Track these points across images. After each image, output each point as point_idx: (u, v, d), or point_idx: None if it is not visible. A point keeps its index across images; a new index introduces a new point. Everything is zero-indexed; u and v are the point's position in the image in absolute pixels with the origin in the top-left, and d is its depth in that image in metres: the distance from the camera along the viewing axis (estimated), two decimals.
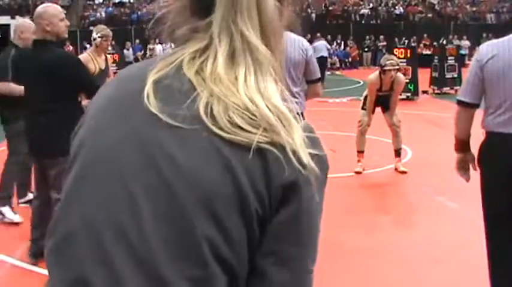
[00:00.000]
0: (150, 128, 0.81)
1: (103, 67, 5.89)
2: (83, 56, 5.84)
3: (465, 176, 3.25)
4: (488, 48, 2.87)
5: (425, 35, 28.46)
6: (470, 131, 3.08)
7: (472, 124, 3.05)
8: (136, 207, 0.79)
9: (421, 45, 27.22)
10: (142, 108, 0.81)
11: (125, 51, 24.30)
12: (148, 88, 0.82)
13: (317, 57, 19.74)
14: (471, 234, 4.70)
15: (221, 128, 0.78)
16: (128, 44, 25.73)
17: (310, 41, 26.13)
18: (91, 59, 5.76)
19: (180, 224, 0.78)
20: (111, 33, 5.97)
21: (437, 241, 4.52)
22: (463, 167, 3.23)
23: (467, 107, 2.97)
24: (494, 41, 2.97)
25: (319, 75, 4.28)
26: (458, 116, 3.07)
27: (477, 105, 2.97)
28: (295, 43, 3.94)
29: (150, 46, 26.45)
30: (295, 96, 3.88)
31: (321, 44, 20.98)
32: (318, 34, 28.25)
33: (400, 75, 6.70)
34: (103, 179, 0.82)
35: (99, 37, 5.78)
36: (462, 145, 3.15)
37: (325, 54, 20.56)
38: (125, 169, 0.81)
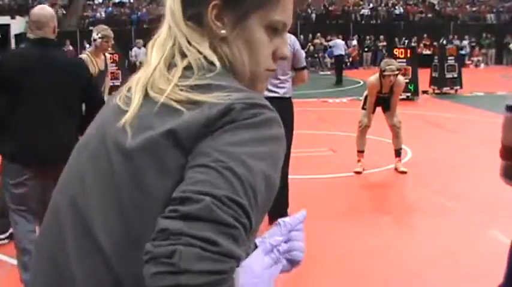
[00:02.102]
0: (112, 116, 0.99)
1: (102, 68, 5.76)
2: (81, 57, 5.69)
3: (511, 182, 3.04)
4: None
5: (425, 35, 28.44)
6: None
7: None
8: (83, 180, 0.96)
9: (421, 45, 27.22)
10: (114, 104, 1.02)
11: (136, 49, 22.85)
12: (123, 89, 1.03)
13: (335, 56, 19.62)
14: (470, 234, 4.70)
15: (157, 92, 0.95)
16: (141, 42, 23.96)
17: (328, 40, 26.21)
18: (90, 61, 5.61)
19: (113, 190, 0.92)
20: (112, 34, 5.81)
21: (437, 241, 4.51)
22: (509, 176, 3.01)
23: None
24: None
25: (304, 64, 5.05)
26: (508, 123, 2.73)
27: None
28: None
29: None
30: (283, 83, 4.77)
31: (340, 42, 21.07)
32: (318, 34, 28.31)
33: (400, 78, 6.70)
34: (71, 162, 1.03)
35: (99, 38, 5.64)
36: (510, 153, 2.93)
37: (343, 52, 20.72)
38: (84, 151, 1.01)
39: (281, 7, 1.01)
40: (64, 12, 30.47)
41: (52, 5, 23.17)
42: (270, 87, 4.74)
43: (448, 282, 3.81)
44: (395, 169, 6.74)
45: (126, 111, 0.96)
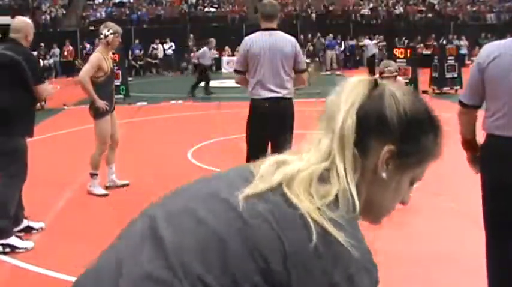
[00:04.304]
0: (237, 179, 1.03)
1: (111, 66, 5.85)
2: (95, 56, 5.76)
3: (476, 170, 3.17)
4: (490, 50, 2.81)
5: (433, 35, 28.21)
6: (475, 130, 3.06)
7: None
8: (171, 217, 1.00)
9: (421, 45, 27.17)
10: (247, 168, 1.06)
11: (206, 49, 20.17)
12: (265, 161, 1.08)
13: (369, 56, 19.75)
14: (470, 234, 4.70)
15: (293, 194, 0.97)
16: (213, 41, 20.64)
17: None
18: (103, 59, 5.69)
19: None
20: (121, 30, 5.88)
21: (437, 241, 4.52)
22: (473, 164, 3.17)
23: (468, 108, 2.97)
24: (496, 42, 2.91)
25: (305, 66, 5.20)
26: (460, 116, 3.07)
27: (478, 107, 2.96)
28: (287, 40, 4.88)
29: (154, 46, 26.51)
30: (285, 84, 4.79)
31: (370, 42, 21.31)
32: (318, 34, 28.31)
33: (399, 79, 6.68)
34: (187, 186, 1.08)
35: (111, 33, 5.69)
36: (469, 144, 3.11)
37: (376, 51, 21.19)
38: (205, 184, 1.06)
39: (428, 166, 1.08)
40: (64, 12, 30.47)
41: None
42: (273, 87, 4.75)
43: (448, 282, 3.81)
44: None
45: (249, 182, 0.97)
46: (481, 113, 2.98)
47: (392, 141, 1.00)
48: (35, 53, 20.98)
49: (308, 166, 0.98)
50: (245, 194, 0.94)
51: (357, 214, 0.97)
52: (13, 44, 4.56)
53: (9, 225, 4.42)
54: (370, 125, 0.99)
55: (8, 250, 4.32)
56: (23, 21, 4.75)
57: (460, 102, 3.01)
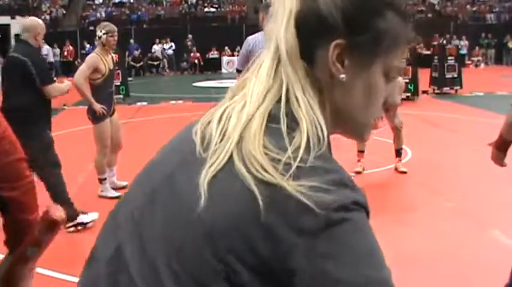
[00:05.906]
0: (188, 156, 0.92)
1: (111, 67, 5.76)
2: (91, 57, 5.71)
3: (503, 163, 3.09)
4: None
5: (436, 35, 28.13)
6: None
7: None
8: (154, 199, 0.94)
9: (421, 45, 27.12)
10: (191, 140, 0.97)
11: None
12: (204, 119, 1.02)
13: None
14: (470, 234, 4.70)
15: (248, 164, 0.84)
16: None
17: None
18: (100, 60, 5.62)
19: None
20: (115, 28, 5.80)
21: (437, 241, 4.51)
22: (500, 161, 3.05)
23: None
24: None
25: None
26: None
27: None
28: None
29: (154, 48, 26.55)
30: None
31: None
32: None
33: (399, 79, 6.69)
34: (143, 175, 1.04)
35: (103, 34, 5.65)
36: (507, 146, 2.98)
37: None
38: (158, 172, 1.00)
39: (402, 51, 0.91)
40: (64, 12, 30.47)
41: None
42: None
43: (448, 282, 3.81)
44: (395, 169, 6.74)
45: (203, 159, 0.83)
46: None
47: (339, 36, 0.84)
48: None
49: (253, 110, 0.82)
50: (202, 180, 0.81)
51: (325, 147, 0.83)
52: (22, 45, 4.79)
53: (73, 208, 4.80)
54: (310, 29, 0.85)
55: (80, 227, 4.87)
56: (32, 20, 4.95)
57: None
